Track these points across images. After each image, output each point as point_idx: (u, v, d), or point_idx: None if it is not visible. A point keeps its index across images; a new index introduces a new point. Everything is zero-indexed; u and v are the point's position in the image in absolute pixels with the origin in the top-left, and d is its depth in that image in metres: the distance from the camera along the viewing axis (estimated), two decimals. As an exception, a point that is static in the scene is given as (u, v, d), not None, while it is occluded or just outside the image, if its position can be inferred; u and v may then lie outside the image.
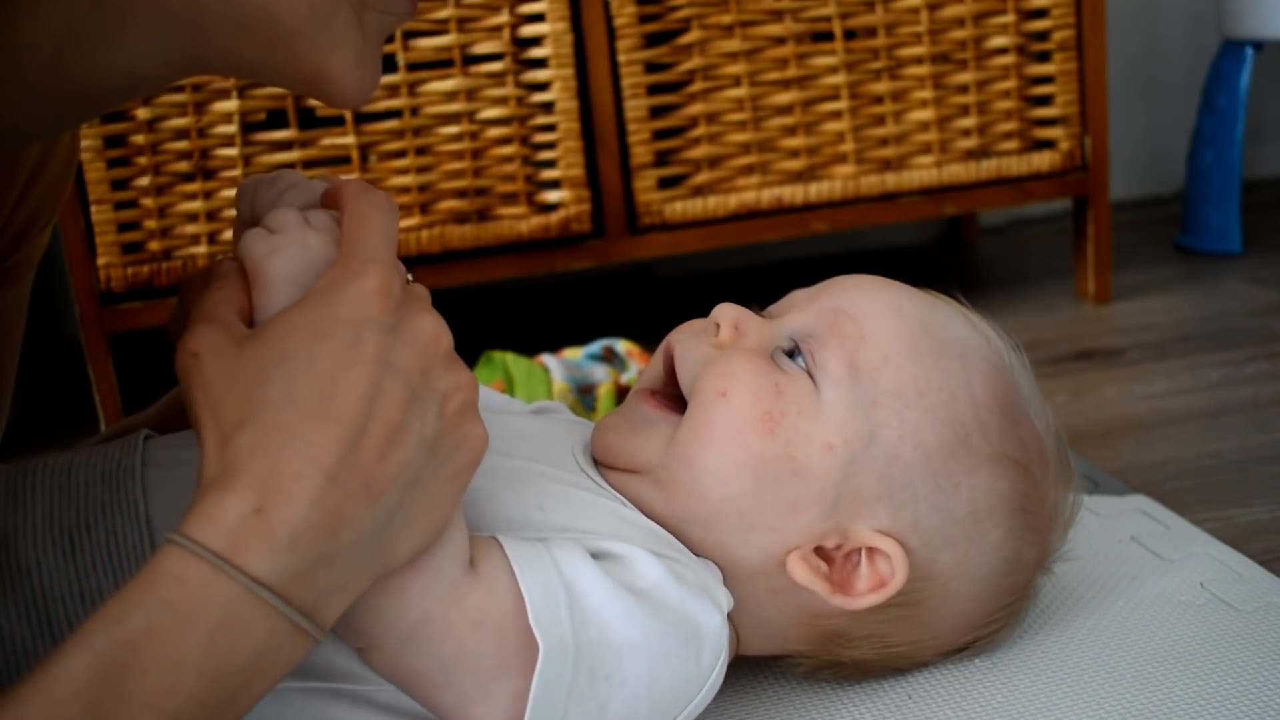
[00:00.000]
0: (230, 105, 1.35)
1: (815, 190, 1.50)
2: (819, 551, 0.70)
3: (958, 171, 1.53)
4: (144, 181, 1.36)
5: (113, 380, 1.39)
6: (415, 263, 1.40)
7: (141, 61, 0.57)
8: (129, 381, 1.47)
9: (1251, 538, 0.95)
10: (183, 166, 1.36)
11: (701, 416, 0.70)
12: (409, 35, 1.38)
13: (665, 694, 0.65)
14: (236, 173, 1.37)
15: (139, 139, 1.34)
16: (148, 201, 1.36)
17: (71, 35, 0.55)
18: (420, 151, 1.40)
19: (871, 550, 0.70)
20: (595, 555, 0.65)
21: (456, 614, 0.60)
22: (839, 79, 1.49)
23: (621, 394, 1.19)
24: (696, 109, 1.46)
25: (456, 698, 0.61)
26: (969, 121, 1.54)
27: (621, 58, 1.43)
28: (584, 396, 1.20)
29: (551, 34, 1.40)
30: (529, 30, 1.40)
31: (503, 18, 1.39)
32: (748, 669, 0.77)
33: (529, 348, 1.34)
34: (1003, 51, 1.53)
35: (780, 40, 1.47)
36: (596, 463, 0.74)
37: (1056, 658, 0.78)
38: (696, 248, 1.50)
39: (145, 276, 1.37)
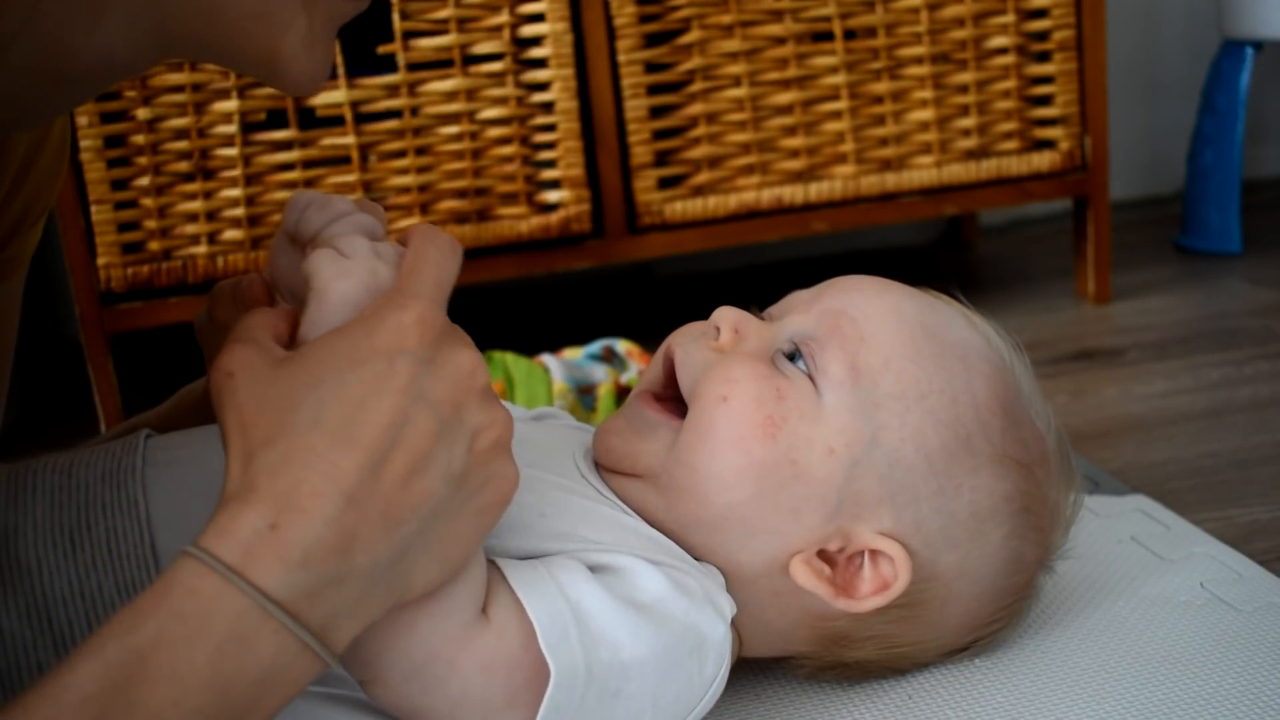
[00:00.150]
0: (230, 105, 1.35)
1: (815, 190, 1.50)
2: (822, 555, 0.70)
3: (958, 171, 1.53)
4: (144, 181, 1.36)
5: (113, 380, 1.39)
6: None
7: (114, 43, 0.57)
8: (129, 381, 1.47)
9: (1251, 538, 0.95)
10: (183, 166, 1.36)
11: (703, 422, 0.70)
12: (409, 35, 1.38)
13: (670, 704, 0.65)
14: (236, 172, 1.37)
15: (139, 139, 1.34)
16: (148, 201, 1.36)
17: (43, 13, 0.55)
18: (420, 151, 1.40)
19: (874, 553, 0.70)
20: (595, 568, 0.65)
21: (465, 657, 0.60)
22: (839, 79, 1.49)
23: (621, 394, 1.19)
24: (696, 109, 1.46)
25: None
26: (969, 121, 1.54)
27: (621, 58, 1.43)
28: (584, 396, 1.20)
29: (551, 34, 1.40)
30: (529, 30, 1.40)
31: (503, 18, 1.39)
32: (748, 670, 0.77)
33: (529, 348, 1.34)
34: (1003, 51, 1.53)
35: (780, 40, 1.47)
36: (598, 467, 0.74)
37: (1056, 658, 0.78)
38: (696, 248, 1.50)
39: (145, 276, 1.37)
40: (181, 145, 1.35)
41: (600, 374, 1.23)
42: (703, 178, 1.48)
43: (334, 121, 1.39)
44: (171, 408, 0.80)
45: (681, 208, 1.47)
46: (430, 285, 0.59)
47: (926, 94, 1.51)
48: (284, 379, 0.56)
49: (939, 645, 0.75)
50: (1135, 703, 0.72)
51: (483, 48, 1.40)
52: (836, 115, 1.50)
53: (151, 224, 1.37)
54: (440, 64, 1.39)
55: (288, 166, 1.38)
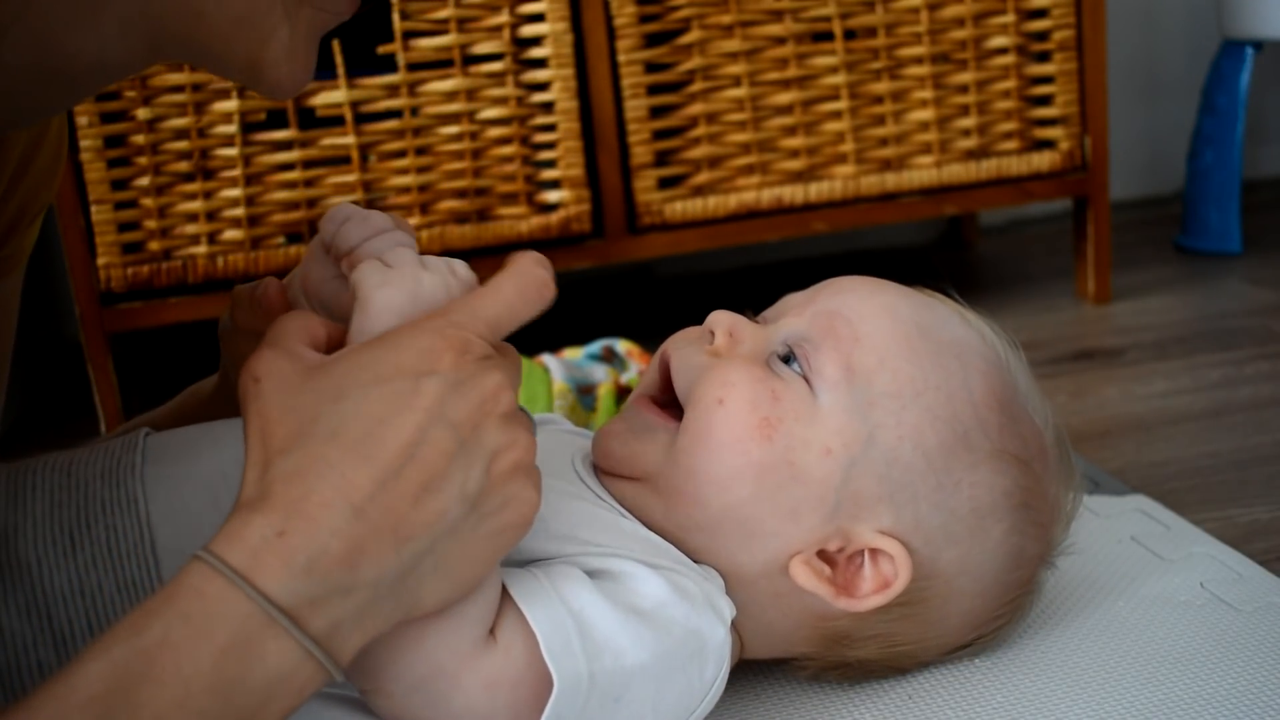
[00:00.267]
0: (230, 105, 1.35)
1: (815, 190, 1.50)
2: (821, 555, 0.70)
3: (958, 171, 1.53)
4: (144, 181, 1.36)
5: (113, 380, 1.39)
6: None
7: (107, 43, 0.58)
8: (129, 381, 1.47)
9: (1251, 538, 0.95)
10: (183, 166, 1.36)
11: (700, 425, 0.70)
12: (409, 35, 1.38)
13: (670, 708, 0.65)
14: (236, 172, 1.37)
15: (139, 139, 1.35)
16: (148, 201, 1.36)
17: (38, 9, 0.56)
18: (420, 151, 1.40)
19: (874, 551, 0.70)
20: (594, 573, 0.65)
21: (470, 675, 0.60)
22: (839, 79, 1.49)
23: (622, 394, 1.19)
24: (696, 109, 1.46)
25: None
26: (969, 121, 1.54)
27: (621, 58, 1.43)
28: (584, 396, 1.20)
29: (551, 34, 1.40)
30: (529, 30, 1.40)
31: (503, 18, 1.39)
32: (748, 671, 0.77)
33: (529, 348, 1.33)
34: (1003, 51, 1.53)
35: (780, 40, 1.47)
36: (596, 471, 0.74)
37: (1056, 658, 0.78)
38: (696, 248, 1.50)
39: (145, 276, 1.37)
40: (181, 145, 1.36)
41: (600, 374, 1.23)
42: (703, 178, 1.48)
43: (334, 121, 1.39)
44: (175, 408, 0.80)
45: (681, 208, 1.47)
46: (484, 320, 0.59)
47: (926, 94, 1.51)
48: (309, 389, 0.56)
49: (941, 643, 0.75)
50: (1135, 703, 0.72)
51: (483, 48, 1.40)
52: (836, 115, 1.50)
53: (151, 224, 1.37)
54: (440, 64, 1.39)
55: (288, 166, 1.38)
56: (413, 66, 1.39)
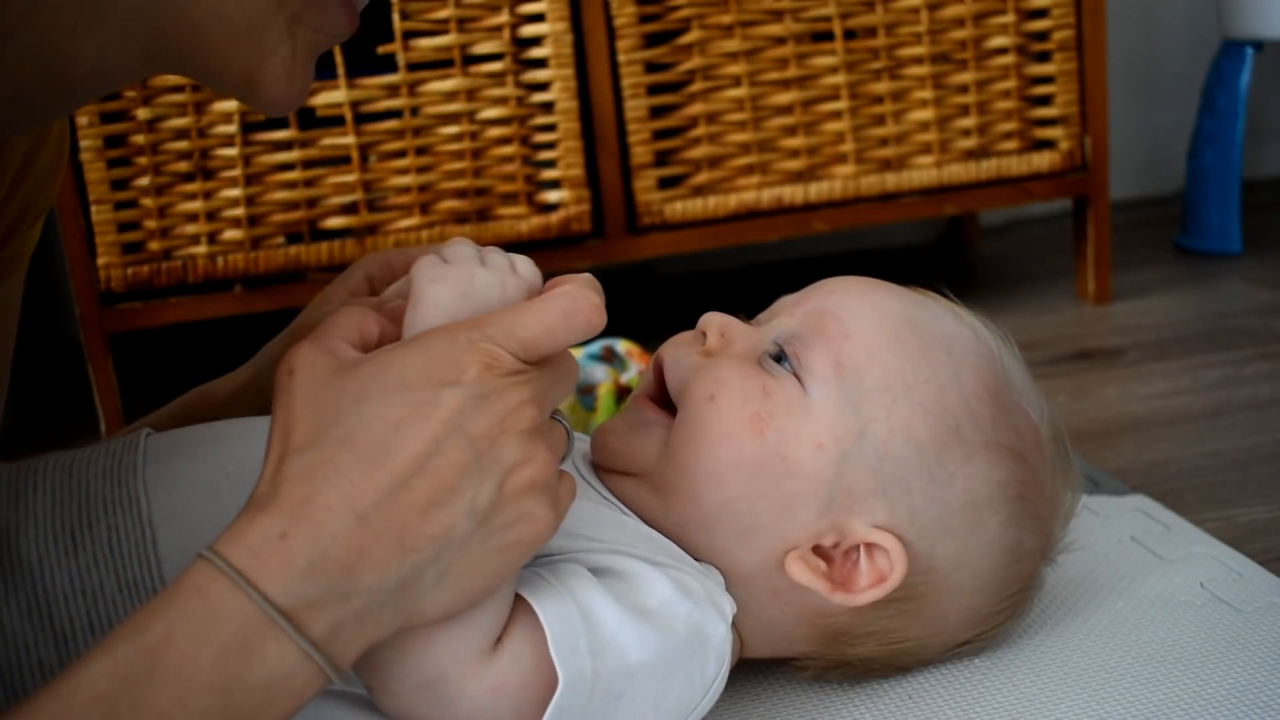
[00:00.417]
0: (230, 105, 1.35)
1: (815, 190, 1.50)
2: (817, 550, 0.70)
3: (958, 171, 1.53)
4: (144, 181, 1.36)
5: (113, 380, 1.39)
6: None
7: (108, 54, 0.58)
8: (129, 381, 1.47)
9: (1251, 538, 0.95)
10: (183, 166, 1.36)
11: (692, 421, 0.70)
12: (409, 35, 1.38)
13: (672, 706, 0.66)
14: (236, 172, 1.37)
15: (139, 139, 1.35)
16: (148, 201, 1.36)
17: (42, 15, 0.56)
18: (420, 151, 1.40)
19: (870, 546, 0.70)
20: (598, 571, 0.65)
21: (475, 681, 0.60)
22: (839, 79, 1.49)
23: (621, 394, 1.19)
24: (696, 109, 1.46)
25: None
26: (969, 121, 1.54)
27: (621, 58, 1.43)
28: (584, 396, 1.20)
29: (551, 34, 1.40)
30: (529, 30, 1.40)
31: (503, 18, 1.39)
32: (748, 670, 0.77)
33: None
34: (1003, 51, 1.53)
35: (780, 40, 1.47)
36: (596, 471, 0.74)
37: (1056, 658, 0.78)
38: (696, 248, 1.50)
39: (145, 276, 1.37)
40: (181, 145, 1.36)
41: (600, 374, 1.23)
42: (703, 178, 1.48)
43: (334, 121, 1.39)
44: (178, 410, 0.80)
45: (681, 208, 1.47)
46: (518, 339, 0.58)
47: (926, 94, 1.51)
48: (334, 387, 0.56)
49: (942, 640, 0.75)
50: (1135, 702, 0.73)
51: (483, 48, 1.40)
52: (836, 115, 1.50)
53: (151, 224, 1.37)
54: (440, 64, 1.40)
55: (288, 166, 1.38)
56: (413, 66, 1.39)
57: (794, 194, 1.49)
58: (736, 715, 0.74)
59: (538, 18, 1.40)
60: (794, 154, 1.50)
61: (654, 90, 1.46)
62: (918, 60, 1.51)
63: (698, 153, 1.47)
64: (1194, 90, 1.94)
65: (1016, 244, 2.05)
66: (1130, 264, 1.79)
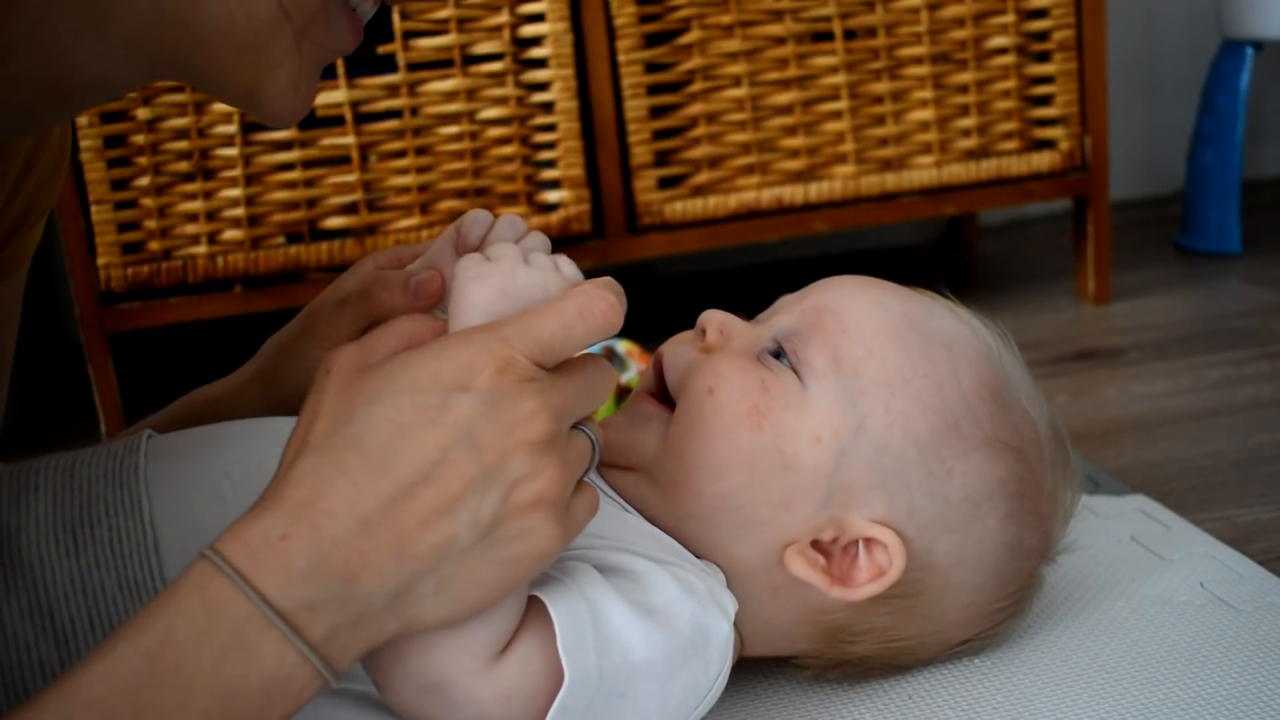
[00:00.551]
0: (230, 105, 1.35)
1: (815, 190, 1.50)
2: (816, 545, 0.71)
3: (958, 171, 1.54)
4: (144, 181, 1.36)
5: (113, 380, 1.39)
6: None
7: (112, 62, 0.58)
8: (129, 381, 1.47)
9: (1251, 538, 0.95)
10: (183, 166, 1.36)
11: (690, 414, 0.70)
12: (409, 35, 1.38)
13: (676, 705, 0.65)
14: (236, 172, 1.37)
15: (139, 139, 1.35)
16: (148, 201, 1.36)
17: (48, 27, 0.56)
18: (420, 151, 1.40)
19: (869, 541, 0.70)
20: (605, 568, 0.65)
21: (483, 689, 0.59)
22: (839, 79, 1.49)
23: (621, 394, 1.19)
24: (696, 109, 1.46)
25: None
26: (969, 121, 1.54)
27: (621, 58, 1.43)
28: (584, 396, 1.20)
29: (551, 34, 1.40)
30: (529, 30, 1.40)
31: (503, 18, 1.39)
32: (748, 670, 0.77)
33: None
34: (1003, 51, 1.53)
35: (780, 40, 1.47)
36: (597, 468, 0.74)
37: (1056, 657, 0.78)
38: (696, 248, 1.50)
39: (145, 276, 1.37)
40: (181, 145, 1.36)
41: (600, 374, 1.23)
42: (703, 178, 1.48)
43: (334, 121, 1.39)
44: (177, 412, 0.80)
45: (681, 208, 1.47)
46: (535, 339, 0.57)
47: (926, 94, 1.51)
48: (357, 388, 0.56)
49: (941, 639, 0.75)
50: (1135, 702, 0.73)
51: (483, 48, 1.40)
52: (836, 115, 1.50)
53: (151, 224, 1.37)
54: (440, 64, 1.40)
55: (288, 166, 1.38)
56: (413, 66, 1.39)
57: (794, 194, 1.49)
58: (736, 715, 0.74)
59: (538, 18, 1.40)
60: (794, 154, 1.50)
61: (654, 90, 1.46)
62: (918, 60, 1.51)
63: (698, 153, 1.47)
64: (1194, 90, 1.94)
65: (1016, 244, 2.05)
66: (1130, 264, 1.79)
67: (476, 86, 1.40)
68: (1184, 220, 1.89)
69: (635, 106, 1.44)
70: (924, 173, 1.52)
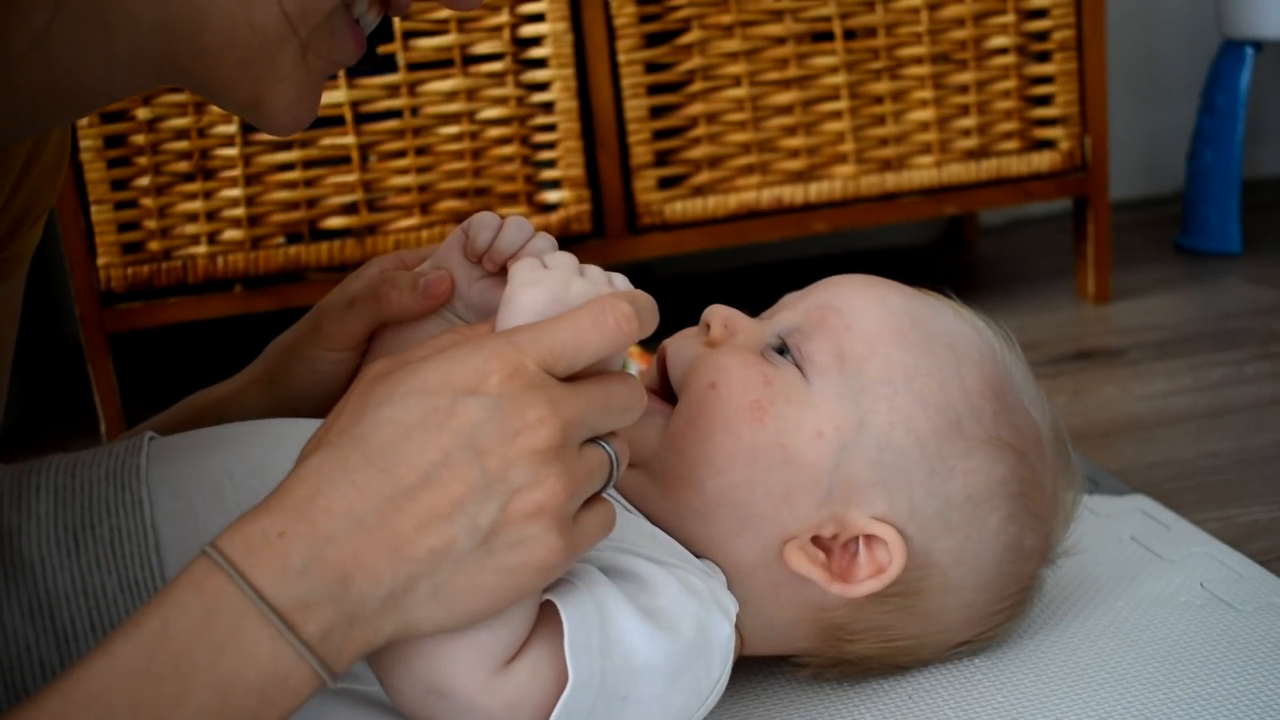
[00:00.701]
0: (230, 105, 1.35)
1: (815, 190, 1.50)
2: (817, 541, 0.71)
3: (958, 171, 1.53)
4: (144, 181, 1.36)
5: (113, 380, 1.39)
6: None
7: (116, 69, 0.58)
8: (129, 381, 1.47)
9: (1251, 538, 0.95)
10: (183, 166, 1.36)
11: (692, 408, 0.71)
12: (409, 35, 1.38)
13: (679, 707, 0.65)
14: (236, 172, 1.37)
15: (139, 139, 1.35)
16: (148, 201, 1.36)
17: (54, 36, 0.56)
18: (420, 151, 1.40)
19: (869, 538, 0.70)
20: (609, 570, 0.65)
21: (489, 698, 0.59)
22: (839, 79, 1.49)
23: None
24: (696, 109, 1.46)
25: None
26: (969, 121, 1.54)
27: (621, 58, 1.43)
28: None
29: (551, 34, 1.40)
30: (529, 30, 1.40)
31: (503, 18, 1.39)
32: (748, 670, 0.77)
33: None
34: (1003, 51, 1.53)
35: (780, 40, 1.47)
36: None
37: (1056, 658, 0.78)
38: (696, 248, 1.50)
39: (145, 276, 1.37)
40: (181, 145, 1.36)
41: (600, 374, 1.23)
42: (703, 178, 1.48)
43: (334, 121, 1.39)
44: (178, 415, 0.80)
45: (681, 208, 1.47)
46: (547, 346, 0.57)
47: (926, 94, 1.51)
48: (371, 388, 0.57)
49: (941, 639, 0.75)
50: (1135, 703, 0.73)
51: (483, 48, 1.40)
52: (836, 115, 1.50)
53: (151, 224, 1.37)
54: (440, 64, 1.40)
55: (288, 166, 1.38)
56: (413, 66, 1.39)
57: (794, 194, 1.49)
58: (736, 715, 0.74)
59: (538, 18, 1.40)
60: (794, 154, 1.50)
61: (654, 90, 1.46)
62: (918, 60, 1.51)
63: (698, 153, 1.47)
64: (1194, 90, 1.94)
65: (1016, 244, 2.05)
66: (1130, 264, 1.79)
67: (476, 86, 1.40)
68: (1184, 220, 1.89)
69: (635, 106, 1.44)
70: (924, 173, 1.52)
